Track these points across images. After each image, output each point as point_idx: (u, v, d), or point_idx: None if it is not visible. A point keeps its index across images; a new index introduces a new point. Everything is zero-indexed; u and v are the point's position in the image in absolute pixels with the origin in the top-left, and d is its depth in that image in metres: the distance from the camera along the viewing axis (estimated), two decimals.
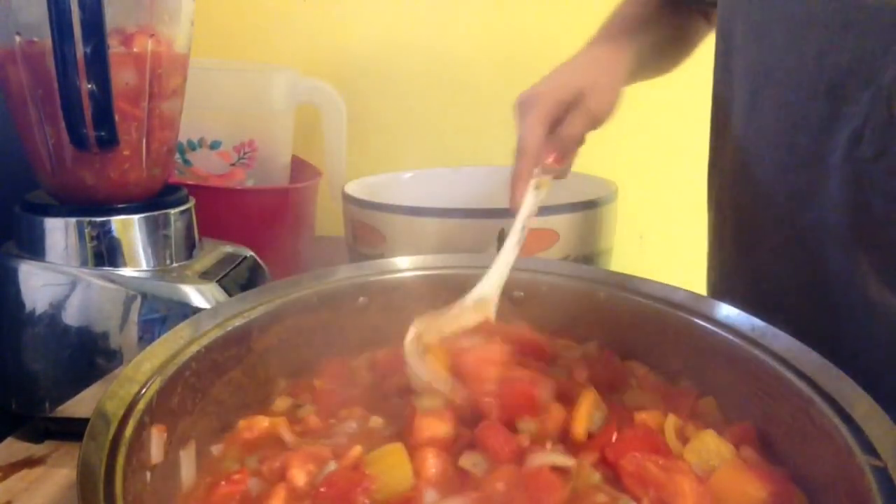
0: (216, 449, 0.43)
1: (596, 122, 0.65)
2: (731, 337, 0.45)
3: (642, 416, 0.43)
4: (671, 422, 0.43)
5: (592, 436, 0.42)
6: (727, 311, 0.47)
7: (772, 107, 0.57)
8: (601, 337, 0.54)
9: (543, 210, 0.64)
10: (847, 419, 0.36)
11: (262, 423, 0.45)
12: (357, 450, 0.41)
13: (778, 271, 0.59)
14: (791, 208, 0.56)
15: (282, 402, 0.49)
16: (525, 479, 0.38)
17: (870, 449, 0.34)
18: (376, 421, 0.46)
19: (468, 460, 0.40)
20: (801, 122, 0.54)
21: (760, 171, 0.59)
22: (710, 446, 0.40)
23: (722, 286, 0.68)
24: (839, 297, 0.53)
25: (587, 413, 0.42)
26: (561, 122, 0.63)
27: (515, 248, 0.54)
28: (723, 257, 0.67)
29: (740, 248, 0.64)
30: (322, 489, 0.37)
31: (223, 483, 0.39)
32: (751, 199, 0.61)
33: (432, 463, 0.39)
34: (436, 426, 0.41)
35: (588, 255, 0.56)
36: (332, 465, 0.39)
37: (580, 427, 0.42)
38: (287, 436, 0.44)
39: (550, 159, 0.63)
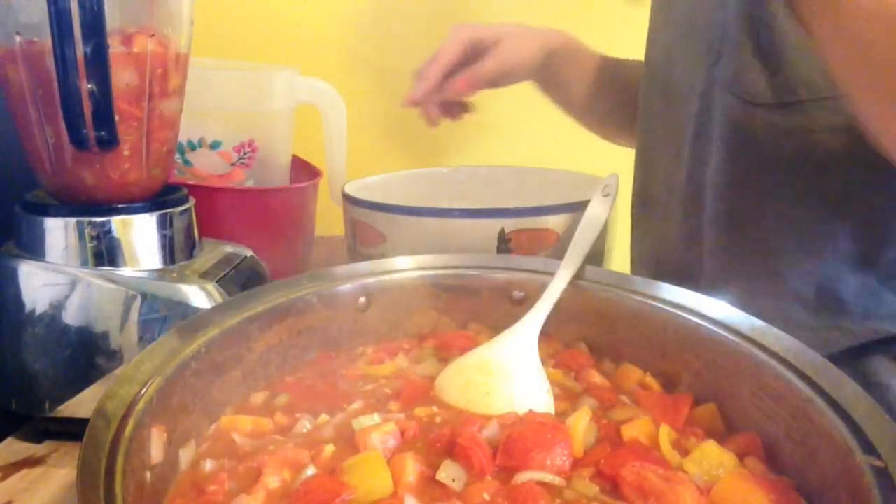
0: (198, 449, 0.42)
1: (504, 66, 0.77)
2: (730, 337, 0.45)
3: (631, 432, 0.42)
4: (665, 432, 0.42)
5: (587, 451, 0.41)
6: (727, 311, 0.47)
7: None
8: (598, 338, 0.54)
9: (543, 210, 0.65)
10: (847, 419, 0.36)
11: (245, 423, 0.44)
12: (329, 450, 0.40)
13: None
14: None
15: (257, 396, 0.48)
16: (511, 490, 0.37)
17: (870, 449, 0.34)
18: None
19: (446, 473, 0.38)
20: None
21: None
22: (711, 457, 0.39)
23: None
24: None
25: (584, 431, 0.42)
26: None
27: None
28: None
29: None
30: (300, 497, 0.36)
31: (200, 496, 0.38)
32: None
33: (411, 470, 0.38)
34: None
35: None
36: (310, 470, 0.39)
37: (578, 446, 0.41)
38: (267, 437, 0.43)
39: (460, 83, 0.76)
